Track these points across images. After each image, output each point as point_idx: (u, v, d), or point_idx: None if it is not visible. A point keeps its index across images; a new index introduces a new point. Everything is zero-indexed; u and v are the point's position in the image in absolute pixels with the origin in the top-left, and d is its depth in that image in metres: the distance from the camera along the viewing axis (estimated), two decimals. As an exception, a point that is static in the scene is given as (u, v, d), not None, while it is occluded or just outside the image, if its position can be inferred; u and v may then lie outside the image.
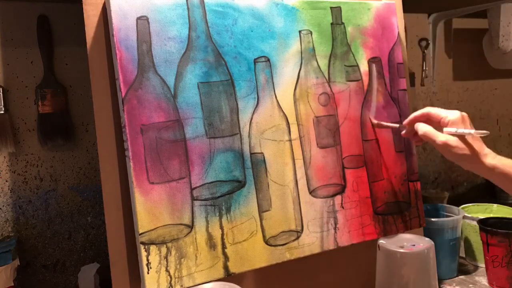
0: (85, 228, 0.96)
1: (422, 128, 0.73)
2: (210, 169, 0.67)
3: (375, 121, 0.81)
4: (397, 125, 0.79)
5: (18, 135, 0.90)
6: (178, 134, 0.66)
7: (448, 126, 0.71)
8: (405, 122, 0.78)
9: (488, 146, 0.70)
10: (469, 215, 1.02)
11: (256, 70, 0.72)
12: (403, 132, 0.78)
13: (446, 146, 0.69)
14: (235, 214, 0.69)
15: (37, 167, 0.92)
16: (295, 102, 0.75)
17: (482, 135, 0.68)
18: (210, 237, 0.66)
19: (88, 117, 0.95)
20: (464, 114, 0.72)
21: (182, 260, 0.64)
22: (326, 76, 0.79)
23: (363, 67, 0.82)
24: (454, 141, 0.69)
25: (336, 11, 0.80)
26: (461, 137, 0.69)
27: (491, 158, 0.68)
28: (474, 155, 0.68)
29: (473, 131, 0.68)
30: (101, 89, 0.66)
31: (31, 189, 0.91)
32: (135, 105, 0.63)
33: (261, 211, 0.71)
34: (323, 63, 0.78)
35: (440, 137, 0.70)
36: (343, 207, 0.78)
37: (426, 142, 0.73)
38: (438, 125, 0.72)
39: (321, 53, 0.78)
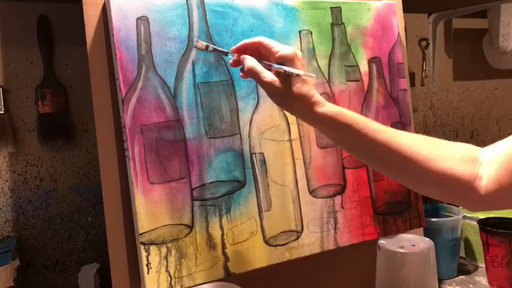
0: (85, 228, 0.96)
1: (249, 61, 0.61)
2: (210, 169, 0.67)
3: (203, 43, 0.64)
4: (225, 51, 0.66)
5: (18, 135, 0.90)
6: (178, 134, 0.66)
7: (277, 62, 0.60)
8: (233, 48, 0.64)
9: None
10: (469, 215, 1.02)
11: (256, 70, 0.72)
12: (230, 61, 0.65)
13: (271, 86, 0.59)
14: (235, 214, 0.68)
15: (37, 167, 0.92)
16: (295, 102, 0.75)
17: (310, 78, 0.59)
18: (210, 237, 0.66)
19: (88, 117, 0.95)
20: (299, 52, 0.61)
21: (182, 260, 0.64)
22: (326, 76, 0.79)
23: (363, 67, 0.82)
24: (280, 81, 0.58)
25: (336, 11, 0.80)
26: (289, 78, 0.58)
27: (321, 105, 0.58)
28: (302, 99, 0.58)
29: (302, 72, 0.58)
30: (101, 89, 0.66)
31: (31, 189, 0.91)
32: (135, 105, 0.63)
33: (261, 211, 0.71)
34: (323, 63, 0.78)
35: (267, 74, 0.59)
36: (343, 207, 0.78)
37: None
38: (268, 59, 0.62)
39: (321, 53, 0.78)
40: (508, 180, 0.50)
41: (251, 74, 0.60)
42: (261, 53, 0.63)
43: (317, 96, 0.59)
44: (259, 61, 0.61)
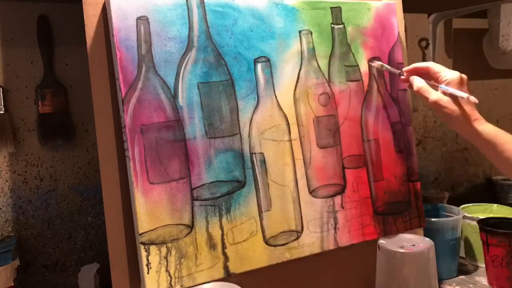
0: (85, 228, 0.96)
1: (418, 82, 0.72)
2: (210, 169, 0.67)
3: (378, 63, 0.81)
4: (397, 71, 0.78)
5: (18, 135, 0.90)
6: (178, 134, 0.66)
7: (444, 85, 0.70)
8: (406, 69, 0.77)
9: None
10: (469, 215, 1.02)
11: (256, 70, 0.72)
12: (402, 78, 0.78)
13: (437, 104, 0.69)
14: (235, 214, 0.69)
15: (37, 167, 0.92)
16: (295, 102, 0.75)
17: (474, 101, 0.68)
18: (210, 237, 0.66)
19: (88, 117, 0.95)
20: (464, 76, 0.71)
21: (182, 260, 0.64)
22: (326, 76, 0.79)
23: (363, 67, 0.82)
24: (446, 101, 0.69)
25: (336, 11, 0.80)
26: (454, 98, 0.69)
27: (480, 123, 0.68)
28: (464, 117, 0.68)
29: (466, 95, 0.68)
30: (101, 89, 0.66)
31: (31, 189, 0.91)
32: (135, 105, 0.63)
33: (261, 211, 0.71)
34: (323, 63, 0.78)
35: (433, 95, 0.70)
36: (343, 207, 0.78)
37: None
38: (436, 82, 0.72)
39: (321, 53, 0.78)
40: None
41: (420, 92, 0.71)
42: (429, 75, 0.73)
43: (477, 115, 0.69)
44: (426, 82, 0.72)
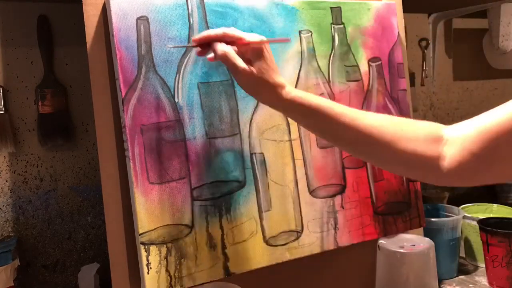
0: (85, 228, 0.96)
1: (223, 48, 0.60)
2: (210, 169, 0.67)
3: (169, 46, 0.66)
4: (186, 45, 0.67)
5: (18, 135, 0.90)
6: (178, 134, 0.66)
7: (247, 49, 0.60)
8: (195, 38, 0.62)
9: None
10: (469, 215, 1.02)
11: (256, 70, 0.72)
12: (197, 51, 0.63)
13: (244, 72, 0.59)
14: (235, 214, 0.68)
15: (37, 167, 0.92)
16: (295, 102, 0.75)
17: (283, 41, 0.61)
18: (210, 237, 0.66)
19: (88, 117, 0.95)
20: (264, 37, 0.62)
21: (182, 260, 0.64)
22: (326, 76, 0.79)
23: (363, 67, 0.82)
24: (253, 65, 0.59)
25: (336, 11, 0.80)
26: (258, 67, 0.60)
27: (291, 90, 0.60)
28: (270, 86, 0.60)
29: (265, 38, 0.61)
30: (101, 89, 0.66)
31: (31, 189, 0.91)
32: (135, 105, 0.63)
33: (261, 211, 0.71)
34: (323, 63, 0.78)
35: (242, 62, 0.59)
36: (343, 207, 0.78)
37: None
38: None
39: (321, 53, 0.78)
40: (470, 162, 0.52)
41: (225, 59, 0.60)
42: (226, 43, 0.61)
43: (282, 81, 0.60)
44: None
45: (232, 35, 0.61)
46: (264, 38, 0.61)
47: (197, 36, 0.62)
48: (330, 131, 0.60)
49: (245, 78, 0.60)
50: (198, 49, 0.63)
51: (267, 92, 0.60)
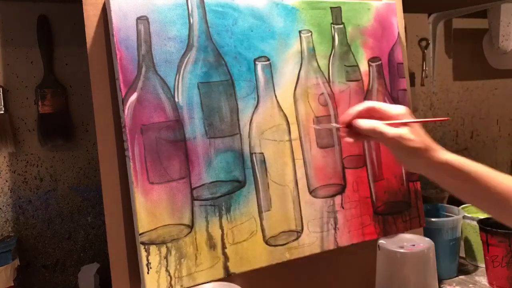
0: (85, 228, 0.96)
1: (366, 123, 0.63)
2: (210, 169, 0.67)
3: (315, 126, 0.73)
4: (335, 125, 0.70)
5: (18, 135, 0.90)
6: (178, 134, 0.66)
7: (402, 122, 0.63)
8: (343, 119, 0.66)
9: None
10: (469, 215, 1.02)
11: (256, 70, 0.72)
12: (342, 133, 0.67)
13: (399, 138, 0.61)
14: (235, 214, 0.68)
15: (37, 167, 0.92)
16: (295, 102, 0.75)
17: (442, 120, 0.64)
18: (210, 237, 0.66)
19: (88, 117, 0.95)
20: (408, 108, 0.65)
21: (182, 260, 0.64)
22: (326, 76, 0.79)
23: (363, 67, 0.82)
24: (407, 132, 0.61)
25: (336, 11, 0.80)
26: (412, 128, 0.62)
27: (443, 153, 0.62)
28: (428, 149, 0.62)
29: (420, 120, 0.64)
30: (101, 89, 0.66)
31: (31, 189, 0.91)
32: (135, 105, 0.63)
33: (261, 211, 0.71)
34: (323, 63, 0.78)
35: (391, 129, 0.61)
36: (343, 207, 0.78)
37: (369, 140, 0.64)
38: (380, 118, 0.64)
39: (321, 53, 0.78)
40: None
41: (373, 133, 0.62)
42: (373, 116, 0.64)
43: (435, 144, 0.63)
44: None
45: (379, 109, 0.64)
46: (405, 110, 0.63)
47: (345, 116, 0.65)
48: (483, 196, 0.61)
49: (396, 145, 0.62)
50: (337, 127, 0.67)
51: (419, 156, 0.62)
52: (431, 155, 0.62)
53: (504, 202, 0.60)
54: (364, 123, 0.63)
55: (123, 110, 0.62)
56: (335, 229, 0.76)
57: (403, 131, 0.62)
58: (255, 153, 0.71)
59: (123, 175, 0.66)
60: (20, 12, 0.89)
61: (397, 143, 0.62)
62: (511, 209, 0.60)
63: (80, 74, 0.93)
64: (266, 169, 0.71)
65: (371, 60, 0.83)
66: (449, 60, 1.41)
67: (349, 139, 0.66)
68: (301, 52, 0.76)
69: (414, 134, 0.62)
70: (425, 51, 1.31)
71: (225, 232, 0.67)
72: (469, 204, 1.10)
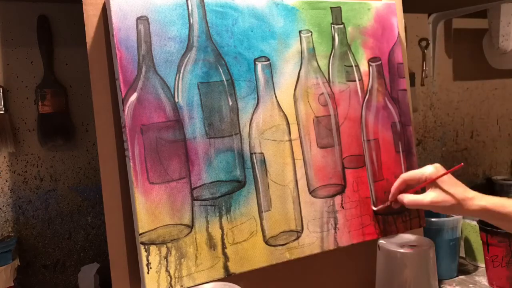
0: (85, 228, 0.96)
1: (406, 198, 0.74)
2: (210, 169, 0.67)
3: (375, 208, 0.81)
4: (389, 203, 0.79)
5: (18, 135, 0.90)
6: (178, 134, 0.66)
7: (427, 182, 0.73)
8: (391, 198, 0.78)
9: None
10: (469, 215, 1.02)
11: (256, 70, 0.72)
12: (395, 206, 0.79)
13: (434, 204, 0.71)
14: (235, 214, 0.68)
15: (37, 167, 0.92)
16: (295, 102, 0.75)
17: (457, 168, 0.72)
18: (210, 237, 0.66)
19: (88, 117, 0.95)
20: (437, 164, 0.74)
21: (182, 260, 0.64)
22: (326, 76, 0.79)
23: (363, 67, 0.82)
24: (438, 196, 0.71)
25: (336, 11, 0.80)
26: (444, 191, 0.71)
27: (478, 200, 0.70)
28: (462, 202, 0.70)
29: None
30: (101, 89, 0.66)
31: (31, 189, 0.91)
32: (135, 105, 0.63)
33: (261, 211, 0.71)
34: (323, 63, 0.78)
35: (426, 198, 0.72)
36: (343, 207, 0.78)
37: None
38: (417, 184, 0.75)
39: (321, 53, 0.78)
40: None
41: (414, 204, 0.74)
42: (410, 185, 0.76)
43: (471, 193, 0.71)
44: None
45: (411, 178, 0.75)
46: (439, 168, 0.73)
47: (391, 196, 0.78)
48: None
49: (435, 209, 0.72)
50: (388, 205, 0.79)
51: (458, 209, 0.71)
52: (467, 208, 0.70)
53: None
54: (405, 199, 0.75)
55: (123, 110, 0.62)
56: (335, 229, 0.76)
57: (434, 196, 0.71)
58: (255, 153, 0.71)
59: (123, 175, 0.66)
60: (20, 12, 0.89)
61: (434, 208, 0.72)
62: None
63: (80, 74, 0.93)
64: (266, 169, 0.71)
65: (371, 60, 0.83)
66: (449, 60, 1.41)
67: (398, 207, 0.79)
68: (301, 52, 0.76)
69: (445, 193, 0.71)
70: (425, 51, 1.31)
71: (225, 232, 0.67)
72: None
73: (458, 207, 0.70)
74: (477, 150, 1.47)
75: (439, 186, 0.71)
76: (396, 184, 0.77)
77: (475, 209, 0.70)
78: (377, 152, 0.82)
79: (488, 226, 0.93)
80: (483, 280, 0.96)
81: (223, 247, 0.67)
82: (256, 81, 0.72)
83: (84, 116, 0.95)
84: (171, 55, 0.66)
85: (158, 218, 0.63)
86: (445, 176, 0.72)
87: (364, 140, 0.81)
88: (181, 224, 0.65)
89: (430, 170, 0.73)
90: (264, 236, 0.70)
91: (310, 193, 0.75)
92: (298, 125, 0.75)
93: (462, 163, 0.75)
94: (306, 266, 0.78)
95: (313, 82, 0.77)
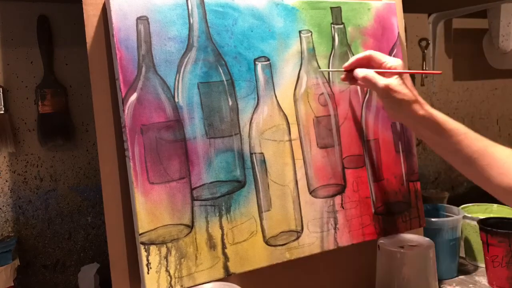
0: (85, 228, 0.96)
1: (362, 71, 0.69)
2: (210, 169, 0.67)
3: (323, 70, 0.77)
4: (335, 69, 0.76)
5: (18, 135, 0.90)
6: (178, 134, 0.66)
7: (393, 71, 0.68)
8: (346, 65, 0.73)
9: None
10: (469, 215, 1.02)
11: (256, 70, 0.72)
12: (342, 76, 0.75)
13: (389, 89, 0.66)
14: (235, 214, 0.69)
15: (37, 167, 0.92)
16: (295, 102, 0.75)
17: (434, 73, 0.69)
18: (210, 237, 0.66)
19: (88, 117, 0.95)
20: (403, 62, 0.70)
21: (182, 260, 0.64)
22: (326, 76, 0.79)
23: (363, 67, 0.82)
24: (396, 84, 0.66)
25: (336, 11, 0.80)
26: (404, 82, 0.67)
27: (428, 107, 0.67)
28: (413, 102, 0.66)
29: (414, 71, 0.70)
30: (101, 89, 0.66)
31: (31, 189, 0.91)
32: (135, 105, 0.63)
33: (261, 211, 0.71)
34: (323, 63, 0.78)
35: (382, 80, 0.67)
36: (343, 207, 0.78)
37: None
38: (378, 68, 0.70)
39: (321, 53, 0.78)
40: None
41: (367, 80, 0.68)
42: (371, 65, 0.70)
43: (421, 99, 0.67)
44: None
45: (376, 58, 0.70)
46: (400, 63, 0.69)
47: (347, 63, 0.73)
48: (457, 151, 0.66)
49: (385, 94, 0.67)
50: (341, 75, 0.75)
51: (409, 108, 0.66)
52: (416, 108, 0.66)
53: (473, 161, 0.64)
54: (360, 72, 0.69)
55: (123, 110, 0.62)
56: (335, 229, 0.76)
57: (392, 82, 0.66)
58: (255, 153, 0.71)
59: (123, 175, 0.66)
60: (20, 12, 0.89)
61: (386, 93, 0.67)
62: (478, 168, 0.64)
63: (80, 74, 0.93)
64: (266, 169, 0.72)
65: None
66: (449, 60, 1.41)
67: (346, 82, 0.75)
68: (301, 52, 0.76)
69: (403, 86, 0.66)
70: (425, 51, 1.31)
71: (225, 232, 0.67)
72: (469, 204, 1.11)
73: (407, 105, 0.66)
74: (477, 150, 1.47)
75: (400, 77, 0.67)
76: (360, 55, 0.72)
77: (422, 114, 0.66)
78: (377, 152, 0.82)
79: (488, 226, 0.93)
80: (483, 280, 0.96)
81: (223, 247, 0.67)
82: (256, 81, 0.72)
83: (84, 116, 0.95)
84: (171, 55, 0.66)
85: (158, 218, 0.63)
86: (407, 75, 0.68)
87: (364, 140, 0.81)
88: (181, 224, 0.65)
89: (397, 61, 0.69)
90: (264, 236, 0.70)
91: (310, 193, 0.75)
92: (298, 125, 0.75)
93: (441, 71, 0.72)
94: (306, 266, 0.78)
95: (313, 82, 0.77)
